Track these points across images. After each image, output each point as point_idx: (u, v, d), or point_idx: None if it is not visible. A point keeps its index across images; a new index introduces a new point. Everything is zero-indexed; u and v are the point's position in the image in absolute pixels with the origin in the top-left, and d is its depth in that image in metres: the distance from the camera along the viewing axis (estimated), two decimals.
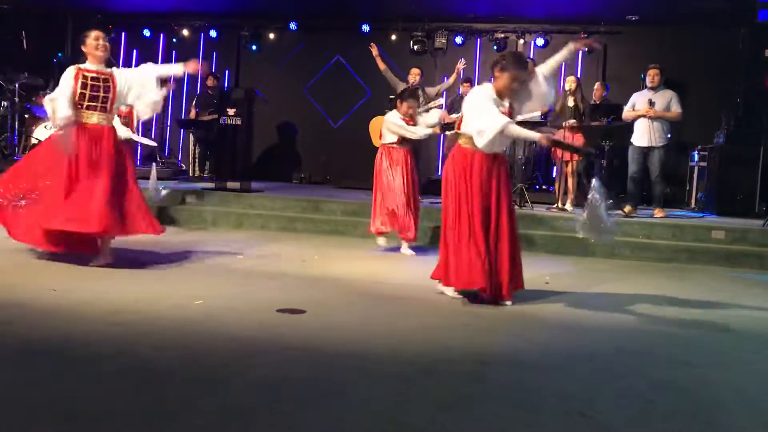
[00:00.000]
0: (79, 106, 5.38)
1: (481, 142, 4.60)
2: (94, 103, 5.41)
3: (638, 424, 2.74)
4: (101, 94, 5.43)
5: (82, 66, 5.48)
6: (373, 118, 9.95)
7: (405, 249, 6.91)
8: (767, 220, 7.96)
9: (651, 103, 8.31)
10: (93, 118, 5.42)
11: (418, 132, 6.92)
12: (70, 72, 5.45)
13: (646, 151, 8.45)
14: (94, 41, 5.47)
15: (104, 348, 3.31)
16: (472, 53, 12.06)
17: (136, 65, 13.83)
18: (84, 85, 5.38)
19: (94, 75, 5.43)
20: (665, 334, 4.25)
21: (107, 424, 2.47)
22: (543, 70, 4.83)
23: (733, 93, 10.49)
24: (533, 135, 4.89)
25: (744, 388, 3.28)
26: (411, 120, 6.94)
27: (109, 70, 5.55)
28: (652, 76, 8.46)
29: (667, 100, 8.39)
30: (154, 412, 2.59)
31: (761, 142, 9.34)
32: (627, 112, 8.61)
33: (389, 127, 6.97)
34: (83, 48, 5.54)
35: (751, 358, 3.84)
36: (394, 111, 7.04)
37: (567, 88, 8.94)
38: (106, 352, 3.24)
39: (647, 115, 8.31)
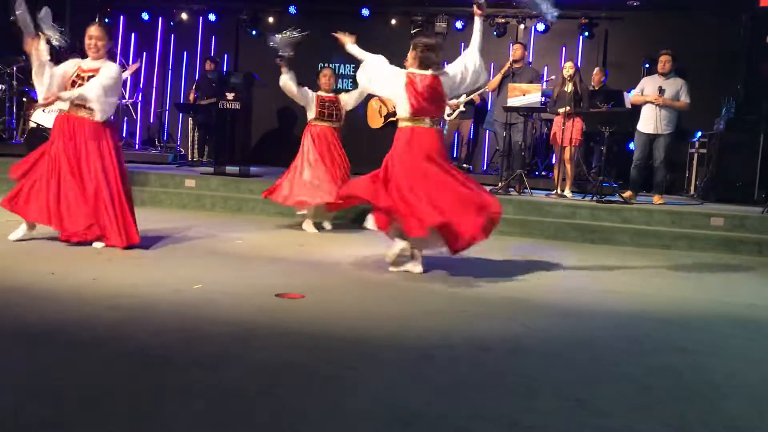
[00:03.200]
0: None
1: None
2: None
3: (635, 409, 2.75)
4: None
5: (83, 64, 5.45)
6: (370, 101, 9.93)
7: (326, 224, 7.40)
8: (766, 207, 7.96)
9: (661, 91, 8.23)
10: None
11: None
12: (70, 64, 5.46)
13: (652, 138, 8.40)
14: (87, 40, 5.45)
15: (102, 332, 3.32)
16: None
17: (135, 49, 13.74)
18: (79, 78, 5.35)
19: (91, 74, 5.37)
20: (663, 320, 4.26)
21: (105, 407, 2.47)
22: (470, 51, 5.39)
23: (734, 80, 10.46)
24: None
25: (739, 374, 3.29)
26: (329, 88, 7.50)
27: (98, 64, 5.47)
28: (663, 62, 8.34)
29: (676, 89, 8.28)
30: (152, 396, 2.60)
31: (761, 129, 9.33)
32: (635, 96, 8.55)
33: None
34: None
35: (747, 345, 3.85)
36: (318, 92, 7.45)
37: (565, 74, 8.80)
38: (104, 336, 3.25)
39: (655, 102, 8.24)
